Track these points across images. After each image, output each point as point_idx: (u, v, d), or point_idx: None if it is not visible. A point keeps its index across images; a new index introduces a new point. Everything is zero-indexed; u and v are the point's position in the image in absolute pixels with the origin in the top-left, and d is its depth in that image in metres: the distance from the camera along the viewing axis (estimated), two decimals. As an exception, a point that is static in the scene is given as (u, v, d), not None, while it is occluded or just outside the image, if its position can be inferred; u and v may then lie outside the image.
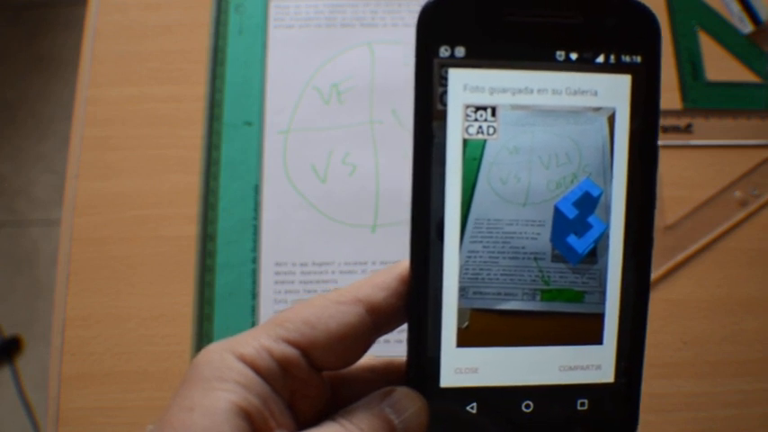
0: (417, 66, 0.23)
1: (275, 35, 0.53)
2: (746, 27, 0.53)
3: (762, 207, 0.49)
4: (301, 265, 0.48)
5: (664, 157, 0.50)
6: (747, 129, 0.51)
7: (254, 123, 0.51)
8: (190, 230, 0.48)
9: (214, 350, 0.22)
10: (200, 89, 0.51)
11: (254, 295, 0.47)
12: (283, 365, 0.22)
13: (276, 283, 0.47)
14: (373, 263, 0.48)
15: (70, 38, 1.33)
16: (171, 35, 0.53)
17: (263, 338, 0.22)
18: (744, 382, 0.45)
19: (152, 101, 0.51)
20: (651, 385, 0.45)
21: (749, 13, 0.53)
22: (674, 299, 0.47)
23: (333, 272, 0.47)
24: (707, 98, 0.51)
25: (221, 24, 0.53)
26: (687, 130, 0.51)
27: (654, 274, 0.47)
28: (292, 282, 0.47)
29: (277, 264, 0.48)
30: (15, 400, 1.12)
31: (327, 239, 0.48)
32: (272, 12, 0.54)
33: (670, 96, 0.51)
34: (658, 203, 0.49)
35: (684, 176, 0.49)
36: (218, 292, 0.47)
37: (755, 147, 0.50)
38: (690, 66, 0.52)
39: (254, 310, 0.47)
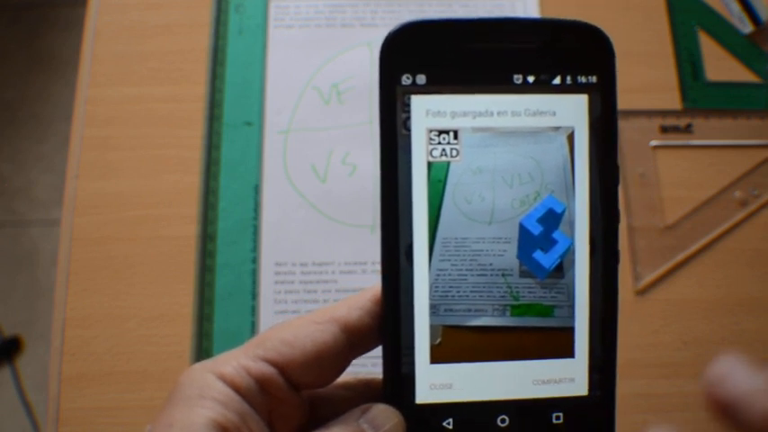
0: (381, 94, 0.24)
1: (275, 35, 0.53)
2: (746, 27, 0.53)
3: (762, 207, 0.49)
4: (301, 265, 0.48)
5: (664, 157, 0.50)
6: (747, 129, 0.51)
7: (254, 123, 0.51)
8: (190, 230, 0.48)
9: (196, 369, 0.23)
10: (200, 89, 0.51)
11: (254, 295, 0.47)
12: (261, 384, 0.22)
13: (276, 283, 0.47)
14: (373, 263, 0.48)
15: (70, 38, 1.33)
16: (171, 35, 0.53)
17: (242, 358, 0.23)
18: (744, 382, 0.45)
19: (152, 101, 0.51)
20: (651, 385, 0.45)
21: (749, 13, 0.53)
22: (674, 299, 0.47)
23: (333, 272, 0.47)
24: (707, 98, 0.51)
25: (221, 24, 0.53)
26: (687, 130, 0.51)
27: (654, 274, 0.47)
28: (292, 282, 0.47)
29: (277, 264, 0.48)
30: (15, 400, 1.12)
31: (327, 239, 0.48)
32: (272, 12, 0.54)
33: (670, 96, 0.51)
34: (658, 203, 0.49)
35: (684, 176, 0.49)
36: (218, 292, 0.47)
37: (755, 147, 0.50)
38: (690, 66, 0.52)
39: (254, 310, 0.47)
